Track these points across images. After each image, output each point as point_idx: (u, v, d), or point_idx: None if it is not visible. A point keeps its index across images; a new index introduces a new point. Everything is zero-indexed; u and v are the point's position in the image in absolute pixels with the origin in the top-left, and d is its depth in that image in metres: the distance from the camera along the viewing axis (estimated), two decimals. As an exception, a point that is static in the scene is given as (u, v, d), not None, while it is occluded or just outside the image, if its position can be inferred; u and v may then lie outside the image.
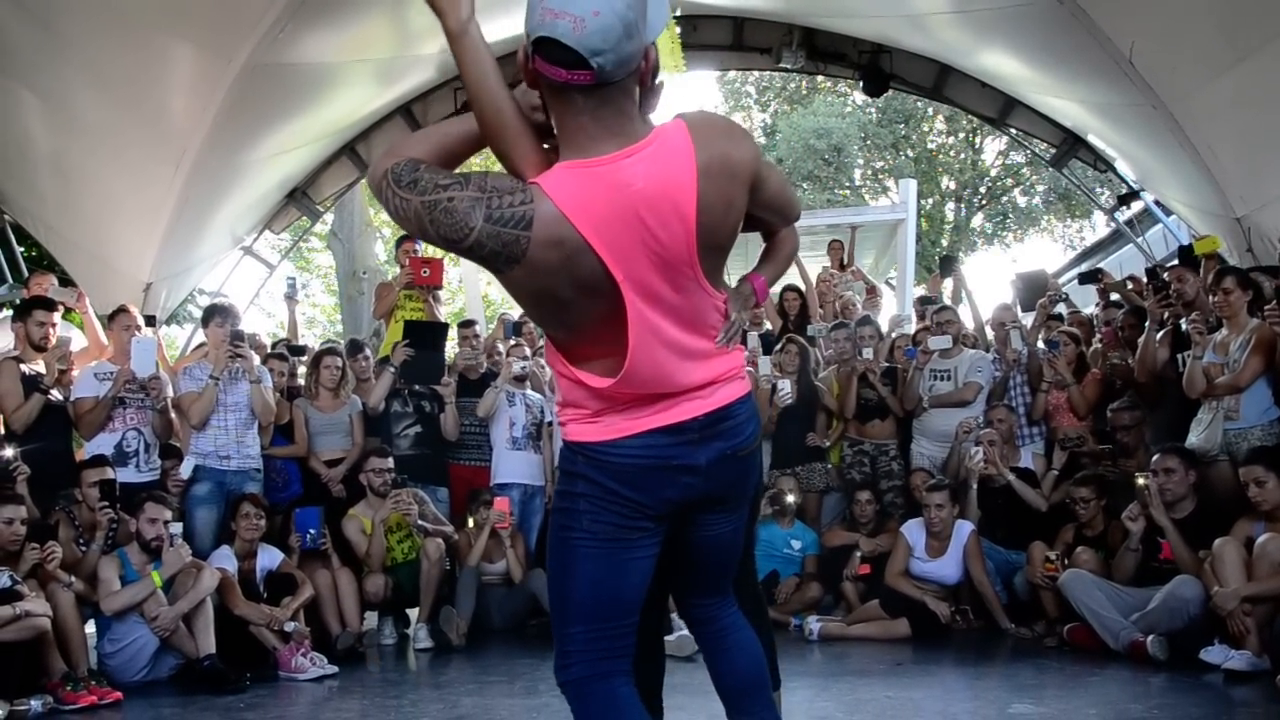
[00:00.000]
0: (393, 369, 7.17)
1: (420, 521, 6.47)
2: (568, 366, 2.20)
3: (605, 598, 2.22)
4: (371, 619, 6.60)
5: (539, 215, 1.93)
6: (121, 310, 6.65)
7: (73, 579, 5.14)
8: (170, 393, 6.44)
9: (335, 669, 5.56)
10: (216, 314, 6.67)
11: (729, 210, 2.10)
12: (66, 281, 7.84)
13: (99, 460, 5.83)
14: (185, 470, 6.25)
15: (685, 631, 5.01)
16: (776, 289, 9.58)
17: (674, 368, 2.16)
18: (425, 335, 7.45)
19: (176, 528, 5.52)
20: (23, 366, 5.94)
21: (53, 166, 7.46)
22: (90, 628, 5.39)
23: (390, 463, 6.58)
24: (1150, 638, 4.95)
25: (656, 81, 2.06)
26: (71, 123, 7.14)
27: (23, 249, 8.61)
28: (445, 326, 8.23)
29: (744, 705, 2.54)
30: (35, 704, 4.57)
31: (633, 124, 2.01)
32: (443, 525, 6.68)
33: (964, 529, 6.23)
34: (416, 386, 7.29)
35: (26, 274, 7.82)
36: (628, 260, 1.99)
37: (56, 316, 6.26)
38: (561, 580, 2.25)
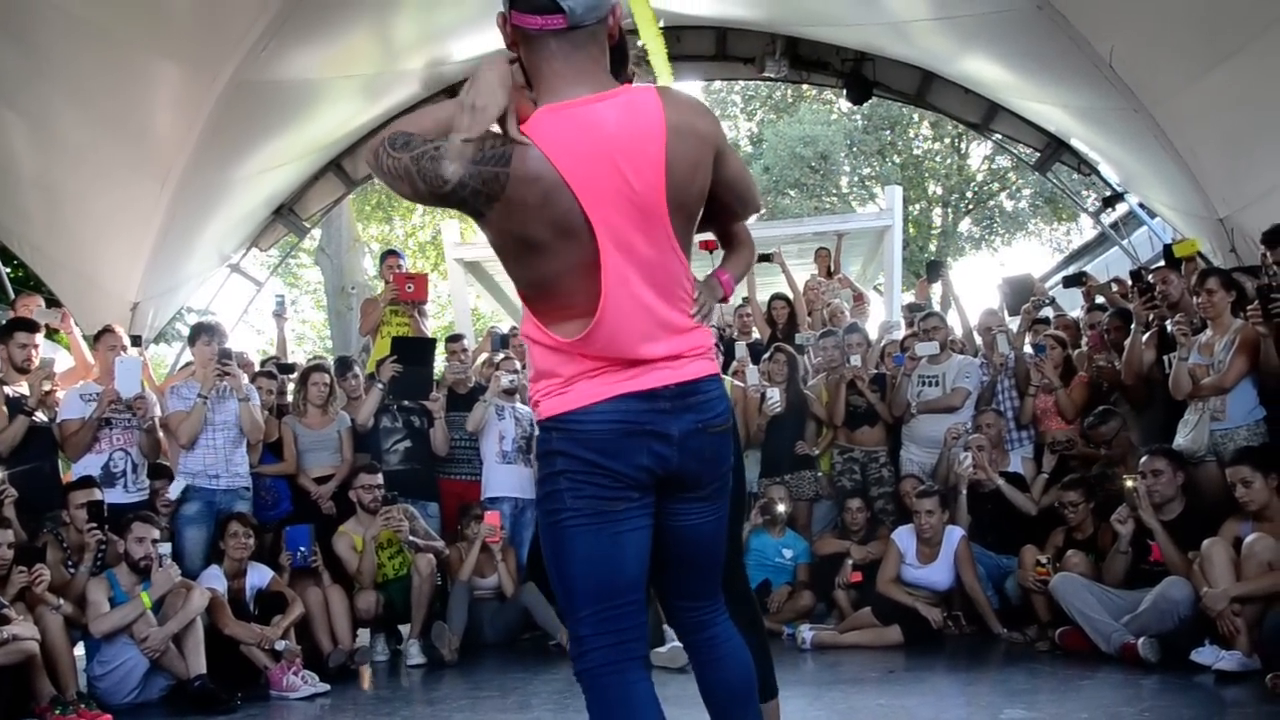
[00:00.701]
0: (381, 385, 7.16)
1: (411, 537, 6.45)
2: (542, 330, 2.24)
3: (604, 575, 2.23)
4: (363, 636, 6.57)
5: (517, 152, 2.05)
6: (107, 330, 6.63)
7: (61, 601, 5.10)
8: (157, 412, 6.41)
9: (327, 687, 5.53)
10: (203, 332, 6.65)
11: (695, 170, 2.20)
12: (53, 302, 7.82)
13: (86, 481, 5.80)
14: (174, 491, 6.22)
15: (677, 643, 5.01)
16: (764, 297, 9.60)
17: (643, 328, 2.20)
18: (413, 351, 7.43)
19: (165, 548, 5.49)
20: (6, 389, 5.92)
21: (37, 186, 7.44)
22: (79, 650, 5.36)
23: (380, 479, 6.57)
24: (1141, 640, 4.96)
25: (633, 45, 2.28)
26: (56, 142, 7.13)
27: (8, 270, 8.58)
28: (433, 342, 8.21)
29: (732, 717, 2.54)
30: (24, 728, 4.54)
31: (604, 74, 2.18)
32: (434, 541, 6.66)
33: (954, 534, 6.24)
34: (405, 402, 7.27)
35: (12, 295, 7.80)
36: (602, 202, 2.08)
37: (39, 338, 6.23)
38: (559, 566, 2.26)
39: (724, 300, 2.65)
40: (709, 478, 2.36)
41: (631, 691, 2.23)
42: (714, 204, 2.36)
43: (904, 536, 6.36)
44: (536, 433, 2.43)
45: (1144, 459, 5.55)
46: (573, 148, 2.06)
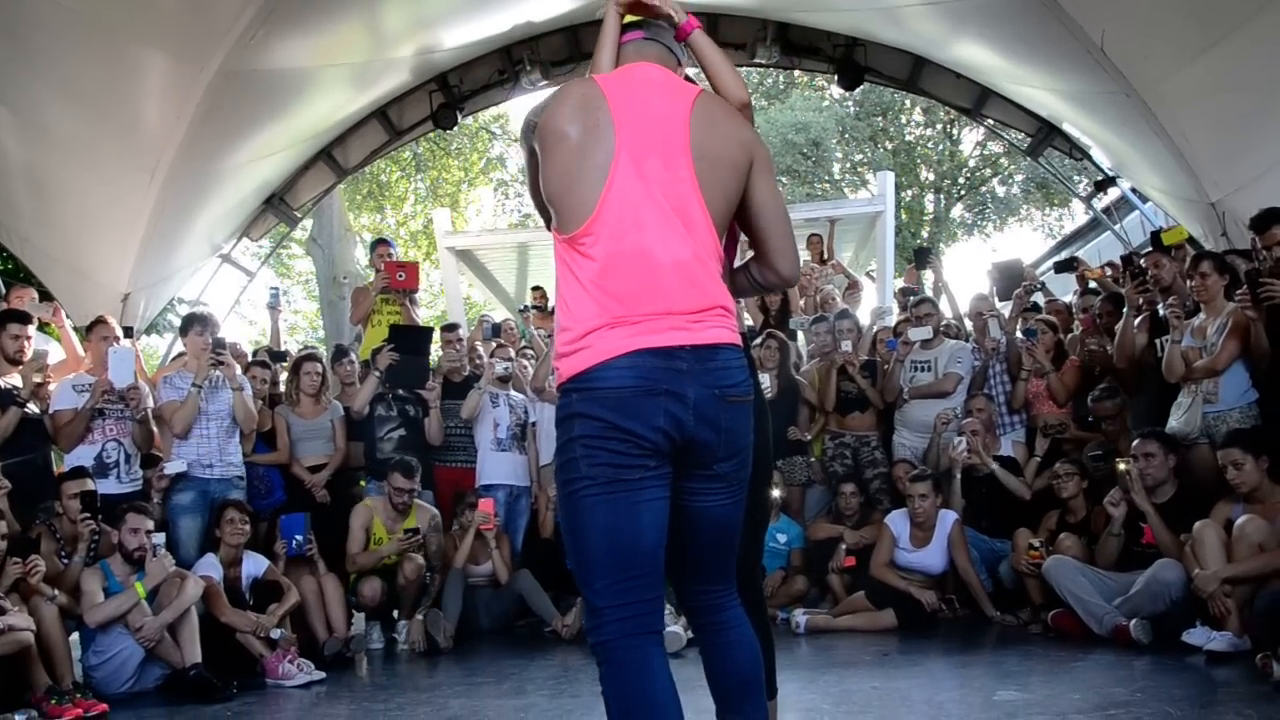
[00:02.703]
0: (378, 373, 7.15)
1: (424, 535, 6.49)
2: (566, 264, 2.29)
3: (622, 545, 2.22)
4: (358, 624, 6.58)
5: (577, 81, 2.47)
6: (99, 321, 6.61)
7: (56, 592, 5.10)
8: (150, 403, 6.40)
9: (323, 675, 5.55)
10: (196, 323, 6.63)
11: (723, 142, 2.38)
12: (45, 296, 7.79)
13: (79, 472, 5.79)
14: (171, 468, 6.21)
15: (674, 627, 5.03)
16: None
17: (653, 241, 2.24)
18: (410, 339, 7.43)
19: (159, 538, 5.50)
20: (-1, 380, 5.91)
21: (26, 179, 7.40)
22: (75, 640, 5.36)
23: (412, 484, 6.53)
24: (1133, 622, 4.99)
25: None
26: (44, 134, 7.09)
27: (-2, 262, 8.55)
28: (430, 331, 8.22)
29: (736, 704, 2.51)
30: (19, 718, 4.53)
31: (668, 63, 2.60)
32: (434, 562, 6.65)
33: (948, 519, 6.26)
34: (401, 391, 7.27)
35: (3, 289, 7.78)
36: (630, 116, 2.31)
37: (31, 329, 6.22)
38: (575, 536, 2.26)
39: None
40: (724, 451, 2.33)
41: (648, 666, 2.22)
42: (750, 234, 2.48)
43: (897, 521, 6.38)
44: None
45: (1136, 442, 5.57)
46: (619, 81, 2.42)
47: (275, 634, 5.64)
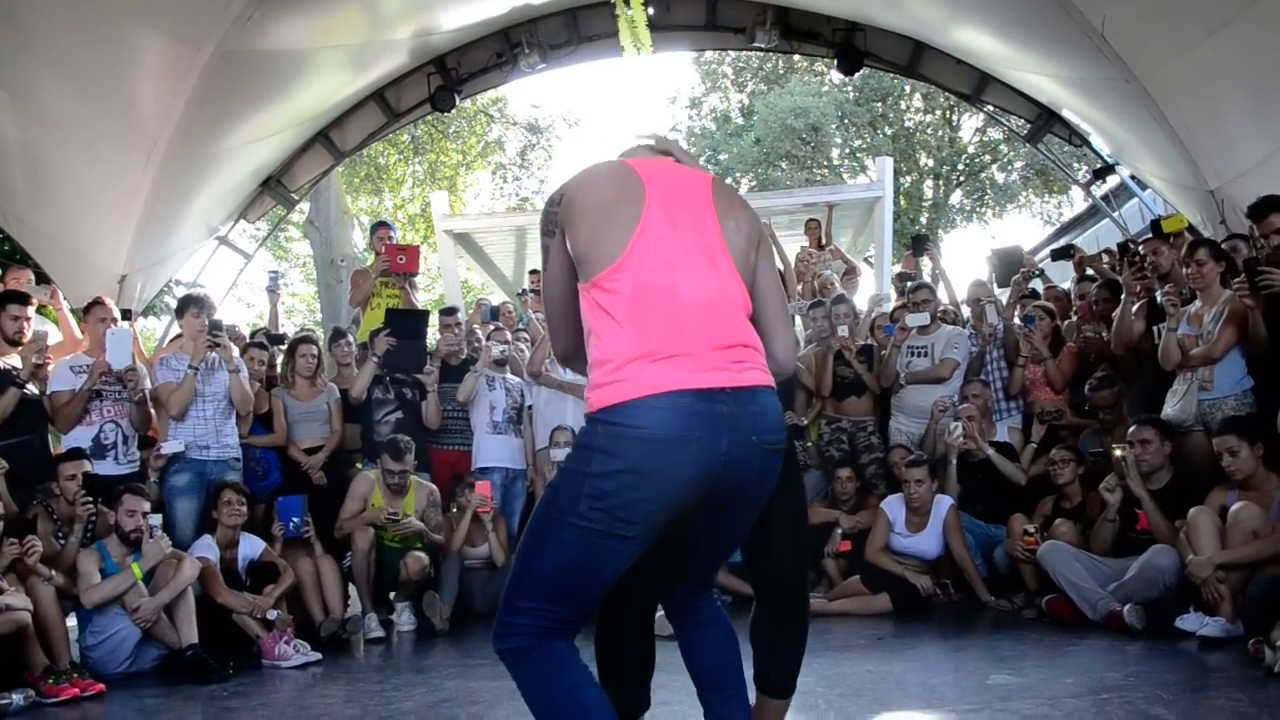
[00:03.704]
0: (375, 358, 7.15)
1: (419, 523, 6.49)
2: (596, 304, 2.23)
3: (573, 585, 2.18)
4: (354, 607, 6.59)
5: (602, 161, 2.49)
6: (96, 303, 6.59)
7: (53, 573, 5.11)
8: (148, 384, 6.40)
9: (319, 656, 5.57)
10: (192, 304, 6.62)
11: (740, 215, 2.43)
12: (42, 278, 7.78)
13: (76, 453, 5.80)
14: (168, 448, 6.21)
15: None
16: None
17: (681, 279, 2.23)
18: (407, 323, 7.43)
19: (156, 519, 5.51)
20: (-3, 361, 5.90)
21: (22, 160, 7.37)
22: (72, 621, 5.38)
23: (402, 464, 6.50)
24: (1127, 607, 5.01)
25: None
26: (40, 115, 7.05)
27: (-6, 245, 8.52)
28: (426, 314, 8.21)
29: (718, 684, 2.60)
30: (17, 697, 4.55)
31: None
32: (435, 535, 6.64)
33: (943, 504, 6.28)
34: (399, 374, 7.27)
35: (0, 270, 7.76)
36: (658, 182, 2.34)
37: (31, 310, 6.21)
38: (534, 553, 2.20)
39: None
40: (744, 499, 2.31)
41: (557, 654, 2.17)
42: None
43: (893, 505, 6.40)
44: (528, 403, 2.41)
45: (1132, 428, 5.58)
46: (643, 160, 2.45)
47: (272, 615, 5.66)
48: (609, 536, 2.13)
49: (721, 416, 2.14)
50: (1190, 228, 7.01)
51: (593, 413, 2.19)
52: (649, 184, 2.32)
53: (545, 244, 2.45)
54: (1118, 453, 5.48)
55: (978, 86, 9.67)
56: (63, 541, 5.50)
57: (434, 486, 6.85)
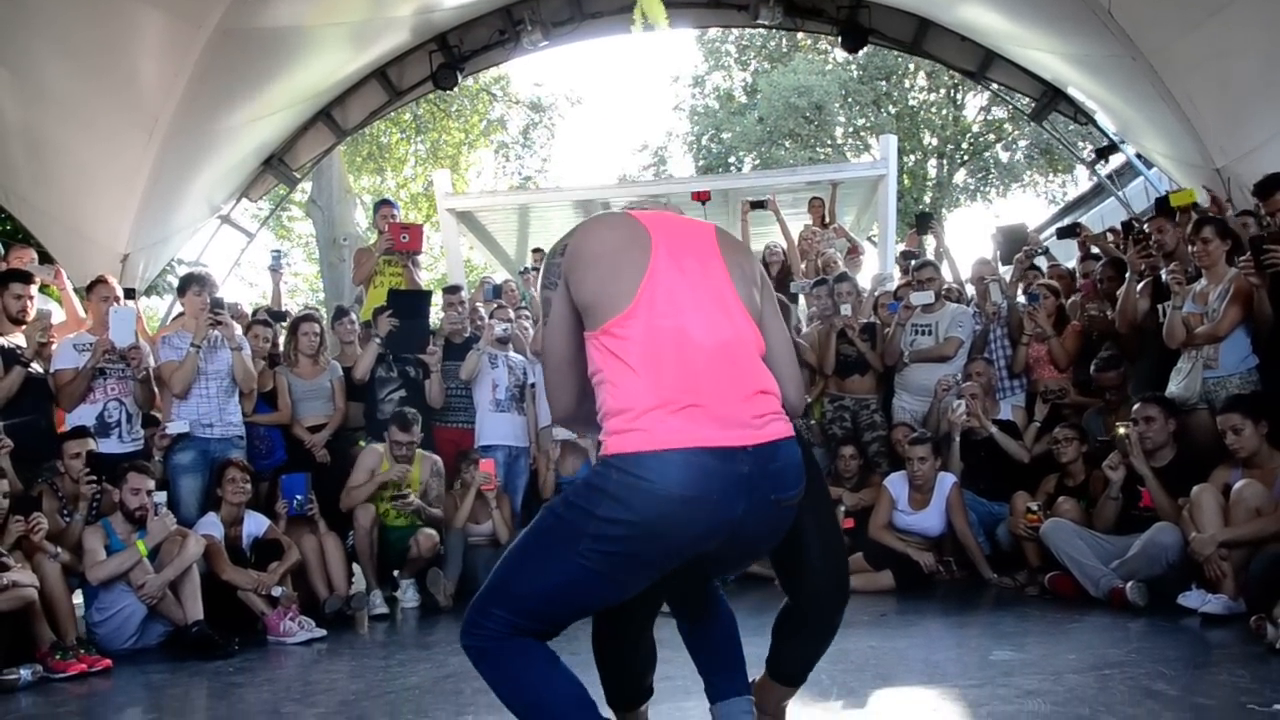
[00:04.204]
0: (378, 339, 7.15)
1: (416, 500, 6.50)
2: (609, 349, 2.16)
3: (554, 609, 2.15)
4: (358, 583, 6.62)
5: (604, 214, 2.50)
6: (99, 281, 6.59)
7: (58, 550, 5.13)
8: (151, 362, 6.40)
9: (323, 632, 5.60)
10: (194, 283, 6.61)
11: (746, 261, 2.42)
12: (45, 258, 7.78)
13: (80, 431, 5.81)
14: (173, 429, 6.22)
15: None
16: (758, 246, 9.56)
17: (694, 324, 2.17)
18: (409, 303, 7.43)
19: (160, 496, 5.52)
20: (1, 340, 5.90)
21: (23, 138, 7.35)
22: (78, 598, 5.40)
23: (410, 435, 6.51)
24: (1129, 584, 5.01)
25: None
26: (41, 93, 7.03)
27: (-3, 223, 8.51)
28: (429, 294, 8.20)
29: (715, 664, 2.64)
30: (25, 672, 4.57)
31: None
32: (434, 510, 6.66)
33: (946, 481, 6.28)
34: (402, 354, 7.27)
35: (2, 249, 7.74)
36: (663, 229, 2.30)
37: (34, 289, 6.21)
38: (521, 570, 2.16)
39: None
40: (754, 546, 2.30)
41: (525, 645, 2.13)
42: None
43: (896, 483, 6.40)
44: (530, 381, 2.38)
45: (1136, 406, 5.58)
46: (645, 211, 2.41)
47: (276, 592, 5.68)
48: (603, 579, 2.11)
49: (741, 478, 2.09)
50: (1195, 205, 6.98)
51: (608, 456, 2.11)
52: (654, 231, 2.28)
53: (546, 297, 2.38)
54: (1121, 430, 5.48)
55: (982, 64, 9.63)
56: (68, 519, 5.52)
57: (437, 457, 6.87)
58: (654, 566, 2.14)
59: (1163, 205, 6.91)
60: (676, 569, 2.20)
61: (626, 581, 2.14)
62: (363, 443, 7.05)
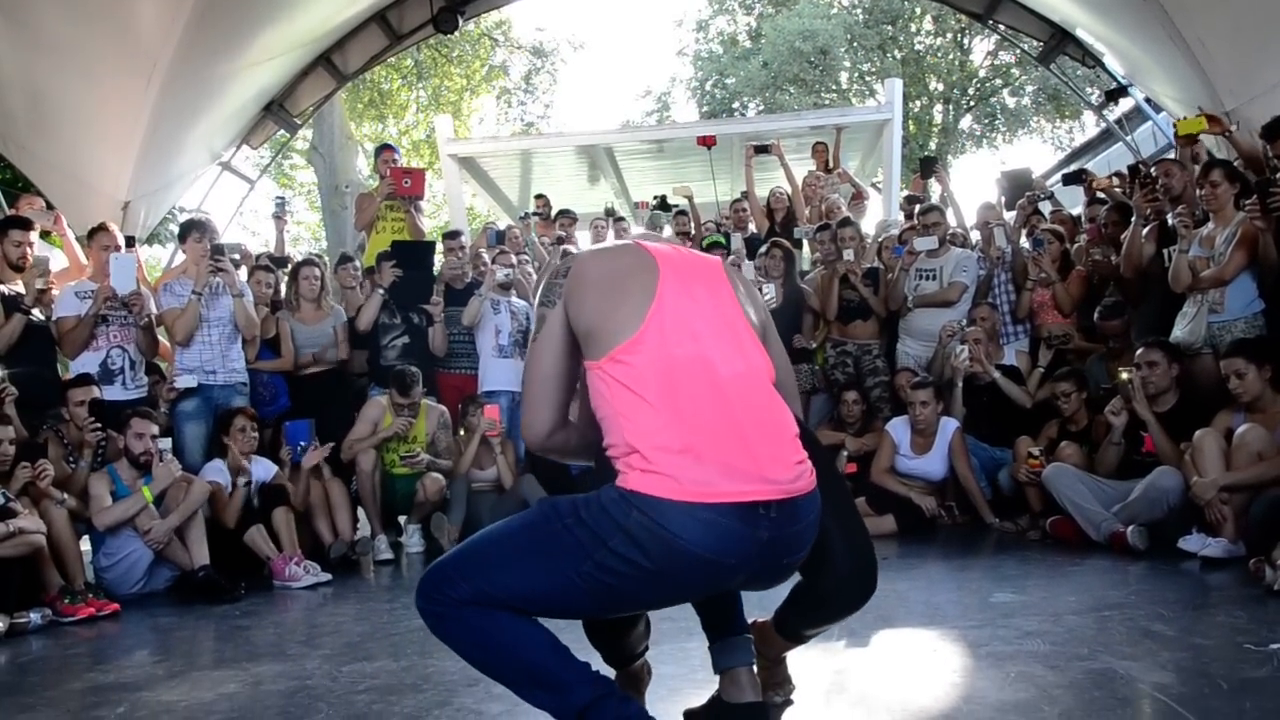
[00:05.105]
0: (381, 290, 7.13)
1: (425, 455, 6.52)
2: (614, 378, 2.07)
3: (529, 607, 2.07)
4: (363, 528, 6.67)
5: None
6: (100, 228, 6.57)
7: (65, 496, 5.17)
8: (153, 309, 6.40)
9: (329, 577, 5.65)
10: (194, 229, 6.58)
11: (741, 278, 2.40)
12: (47, 205, 7.74)
13: (84, 379, 5.83)
14: (182, 382, 6.22)
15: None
16: (762, 192, 9.50)
17: (710, 351, 2.10)
18: (412, 254, 7.40)
19: (165, 443, 5.54)
20: (1, 287, 5.89)
21: (22, 86, 7.27)
22: (85, 544, 5.45)
23: (410, 398, 6.51)
24: (1130, 528, 5.03)
25: None
26: (37, 39, 6.94)
27: (-4, 171, 8.46)
28: (432, 245, 8.16)
29: (716, 619, 2.58)
30: (35, 616, 4.63)
31: None
32: (442, 461, 6.67)
33: (949, 426, 6.29)
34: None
35: (4, 202, 7.71)
36: (666, 256, 2.23)
37: (33, 235, 6.19)
38: (506, 559, 2.06)
39: None
40: (742, 588, 2.27)
41: (485, 608, 2.05)
42: None
43: (898, 427, 6.41)
44: (532, 325, 2.32)
45: (1139, 350, 5.56)
46: (650, 243, 2.31)
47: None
48: (594, 601, 2.05)
49: (760, 543, 2.03)
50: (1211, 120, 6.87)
51: (629, 492, 2.00)
52: (660, 259, 2.20)
53: (542, 314, 2.28)
54: (1124, 375, 5.47)
55: (990, 6, 9.51)
56: (73, 466, 5.56)
57: (444, 409, 6.88)
58: (647, 603, 2.17)
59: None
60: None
61: (614, 609, 2.15)
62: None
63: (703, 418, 2.03)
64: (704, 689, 2.68)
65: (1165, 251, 6.11)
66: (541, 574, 2.02)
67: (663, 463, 1.98)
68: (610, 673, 2.47)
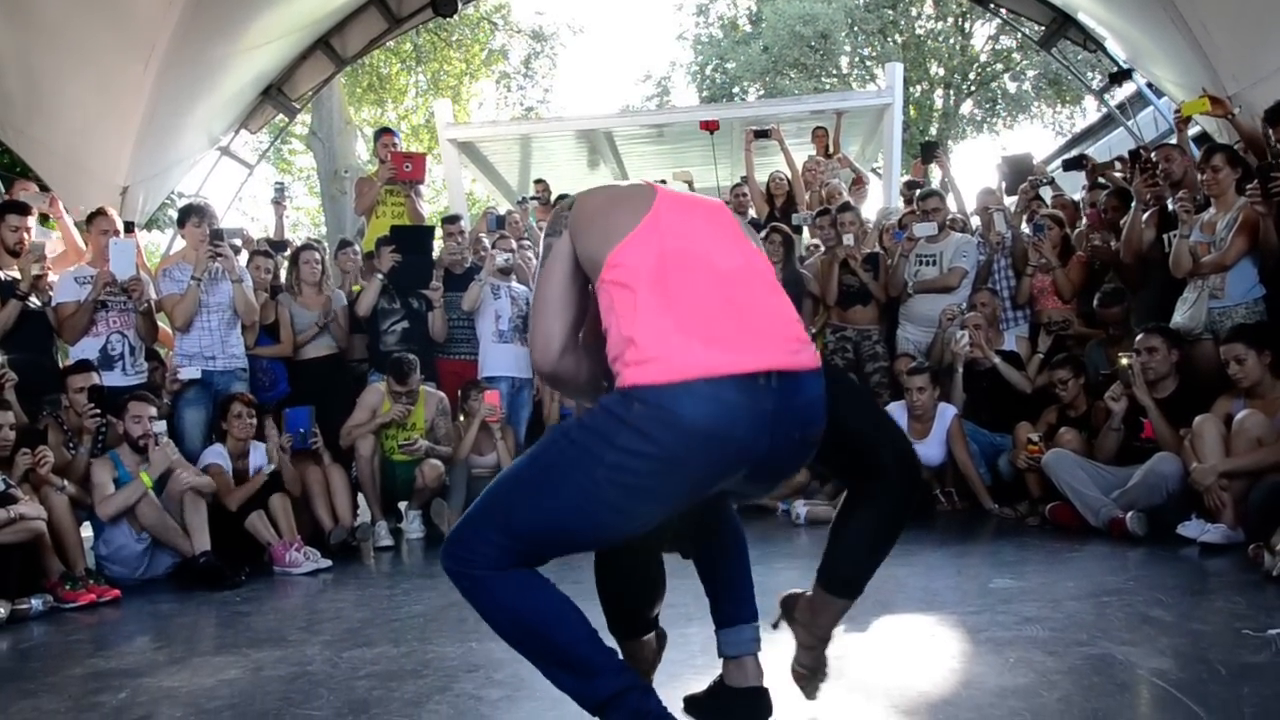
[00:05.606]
0: (381, 275, 7.11)
1: (424, 442, 6.51)
2: (614, 283, 2.06)
3: (554, 540, 2.03)
4: (363, 514, 6.68)
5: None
6: (99, 213, 6.54)
7: (65, 483, 5.17)
8: (153, 294, 6.38)
9: (329, 563, 5.67)
10: (193, 214, 6.56)
11: (750, 232, 2.38)
12: (42, 188, 7.71)
13: (84, 365, 5.82)
14: (186, 374, 6.22)
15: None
16: (763, 177, 9.48)
17: (706, 248, 2.12)
18: (412, 239, 7.37)
19: (160, 425, 5.52)
20: (-1, 273, 5.89)
21: (19, 70, 7.24)
22: (86, 530, 5.45)
23: (407, 386, 6.47)
24: (1130, 514, 5.04)
25: None
26: (34, 22, 6.92)
27: (-6, 157, 8.43)
28: (431, 230, 8.14)
29: (723, 579, 2.57)
30: (36, 603, 4.63)
31: None
32: (441, 448, 6.65)
33: (947, 412, 6.29)
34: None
35: (2, 189, 7.68)
36: (668, 192, 2.26)
37: (31, 221, 6.17)
38: (525, 493, 2.01)
39: None
40: (775, 481, 2.21)
41: (526, 578, 2.02)
42: None
43: (896, 412, 6.40)
44: (529, 307, 2.30)
45: (1139, 336, 5.56)
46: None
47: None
48: (615, 511, 1.98)
49: (766, 414, 1.98)
50: (1205, 135, 6.89)
51: (626, 388, 1.97)
52: (660, 191, 2.23)
53: (549, 243, 2.28)
54: (1124, 361, 5.46)
55: (991, -11, 9.45)
56: (73, 452, 5.56)
57: (443, 395, 6.88)
58: (670, 500, 2.02)
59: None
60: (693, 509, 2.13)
61: (637, 515, 2.01)
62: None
63: (697, 299, 2.03)
64: (704, 674, 2.69)
65: (1165, 237, 6.10)
66: (560, 495, 1.97)
67: (657, 347, 1.96)
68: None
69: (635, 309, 2.01)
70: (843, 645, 3.37)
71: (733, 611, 2.54)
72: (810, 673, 2.62)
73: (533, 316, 2.29)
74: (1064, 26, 9.40)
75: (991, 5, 9.81)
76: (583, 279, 2.21)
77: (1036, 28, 9.82)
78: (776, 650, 2.65)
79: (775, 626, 2.65)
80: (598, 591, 2.53)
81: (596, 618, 2.23)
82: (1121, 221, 6.50)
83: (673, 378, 1.93)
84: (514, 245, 7.55)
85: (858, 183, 9.76)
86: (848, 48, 25.56)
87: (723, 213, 2.29)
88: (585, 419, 2.02)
